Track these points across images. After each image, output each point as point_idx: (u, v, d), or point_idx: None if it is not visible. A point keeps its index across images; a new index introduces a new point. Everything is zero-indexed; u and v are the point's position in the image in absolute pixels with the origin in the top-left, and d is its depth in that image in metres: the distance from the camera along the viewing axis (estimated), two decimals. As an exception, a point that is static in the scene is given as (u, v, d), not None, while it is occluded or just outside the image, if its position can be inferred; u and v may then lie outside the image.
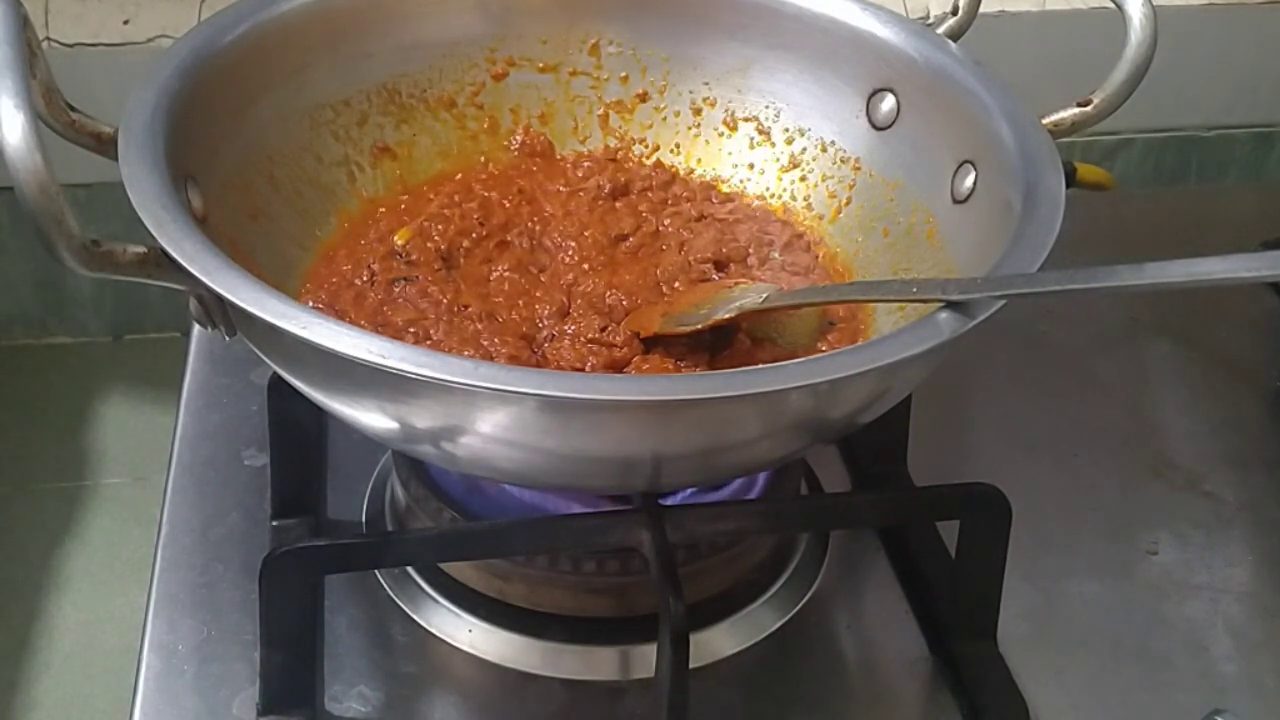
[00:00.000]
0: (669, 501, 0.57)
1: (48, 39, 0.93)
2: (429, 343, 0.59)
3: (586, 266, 0.65)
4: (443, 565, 0.62)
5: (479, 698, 0.60)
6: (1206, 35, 1.07)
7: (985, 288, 0.48)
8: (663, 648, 0.53)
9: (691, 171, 0.73)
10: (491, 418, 0.48)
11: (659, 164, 0.73)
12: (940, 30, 0.67)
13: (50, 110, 0.54)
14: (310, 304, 0.61)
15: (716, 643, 0.62)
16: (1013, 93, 0.62)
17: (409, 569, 0.63)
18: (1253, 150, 1.15)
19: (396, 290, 0.62)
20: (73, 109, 0.55)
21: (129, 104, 0.55)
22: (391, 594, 0.63)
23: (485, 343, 0.59)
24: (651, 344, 0.60)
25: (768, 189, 0.71)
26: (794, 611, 0.64)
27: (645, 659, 0.58)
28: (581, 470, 0.52)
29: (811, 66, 0.69)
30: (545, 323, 0.61)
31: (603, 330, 0.60)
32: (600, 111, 0.73)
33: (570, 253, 0.66)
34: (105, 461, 1.08)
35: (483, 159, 0.72)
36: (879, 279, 0.65)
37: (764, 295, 0.58)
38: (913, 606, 0.64)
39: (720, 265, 0.66)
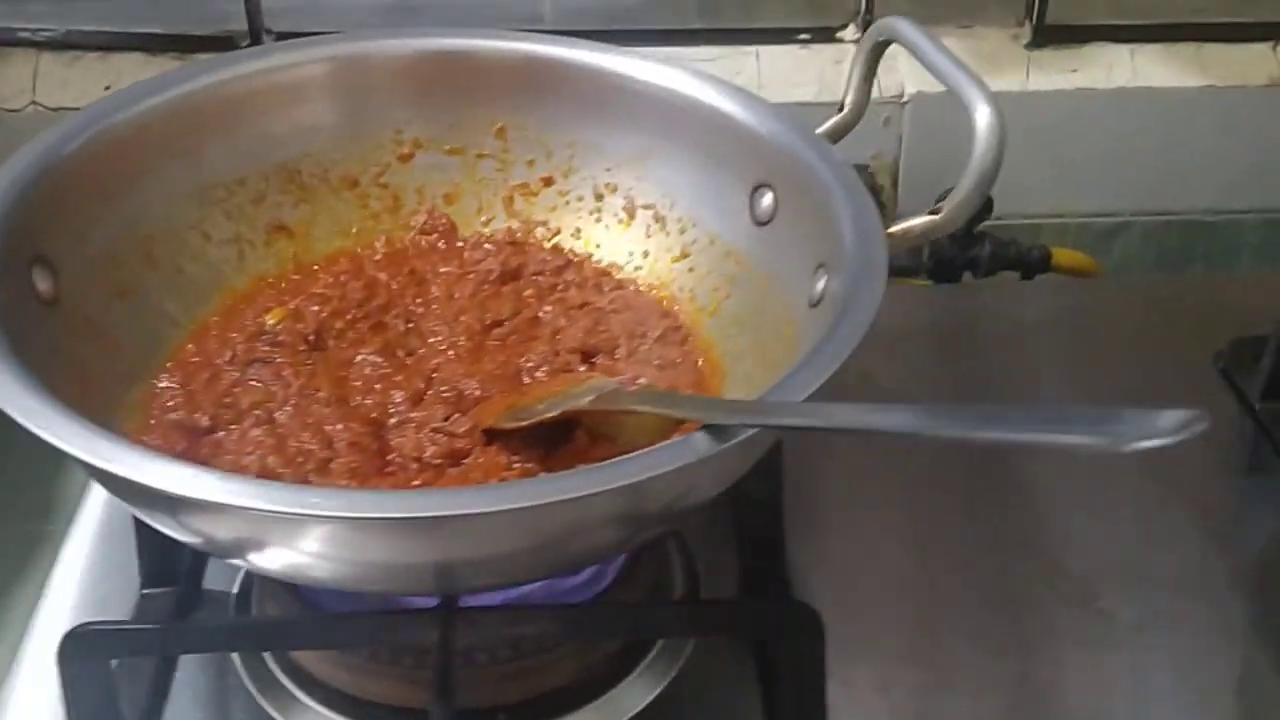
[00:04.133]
0: (470, 602, 0.57)
1: (33, 103, 0.97)
2: (269, 426, 0.60)
3: (451, 354, 0.66)
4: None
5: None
6: (1206, 117, 1.03)
7: (740, 414, 0.47)
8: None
9: (590, 256, 0.73)
10: (266, 533, 0.48)
11: (557, 248, 0.73)
12: (825, 127, 0.66)
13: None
14: (163, 383, 0.62)
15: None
16: (868, 197, 0.60)
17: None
18: (1264, 236, 1.11)
19: (251, 372, 0.63)
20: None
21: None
22: (241, 671, 0.63)
23: (329, 428, 0.60)
24: (495, 436, 0.60)
25: (659, 279, 0.71)
26: (657, 692, 0.62)
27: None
28: (376, 576, 0.52)
29: (701, 158, 0.69)
30: (398, 409, 0.62)
31: (446, 419, 0.61)
32: (505, 194, 0.74)
33: (440, 338, 0.67)
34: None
35: (383, 238, 0.73)
36: (677, 393, 0.63)
37: (590, 397, 0.57)
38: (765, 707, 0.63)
39: (587, 356, 0.66)
